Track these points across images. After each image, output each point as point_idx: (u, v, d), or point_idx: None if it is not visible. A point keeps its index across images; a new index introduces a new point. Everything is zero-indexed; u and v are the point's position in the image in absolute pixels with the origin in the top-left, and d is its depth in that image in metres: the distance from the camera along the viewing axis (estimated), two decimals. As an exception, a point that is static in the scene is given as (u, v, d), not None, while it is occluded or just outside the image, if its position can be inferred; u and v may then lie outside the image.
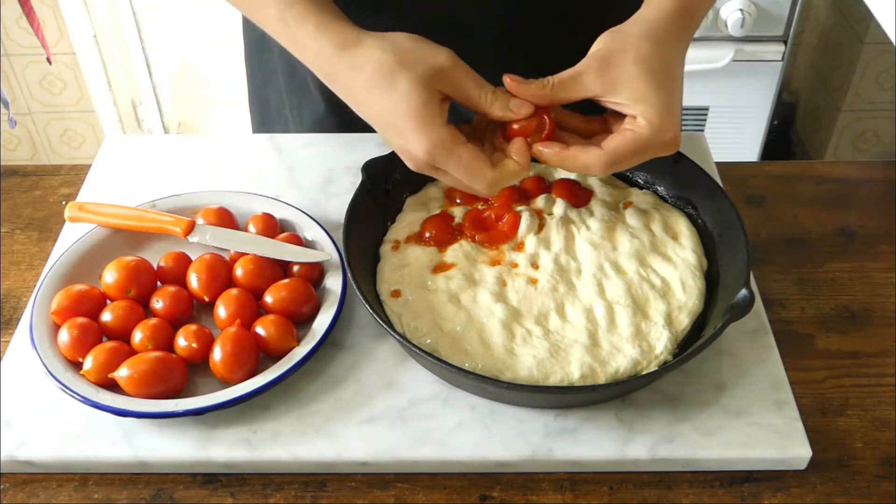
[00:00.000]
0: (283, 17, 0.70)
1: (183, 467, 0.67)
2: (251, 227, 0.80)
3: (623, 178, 0.86)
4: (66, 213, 0.81)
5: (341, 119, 0.95)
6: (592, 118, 0.74)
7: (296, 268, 0.77)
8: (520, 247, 0.78)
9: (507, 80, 0.70)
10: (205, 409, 0.66)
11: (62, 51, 2.20)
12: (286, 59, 0.95)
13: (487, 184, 0.68)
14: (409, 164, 0.70)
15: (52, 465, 0.67)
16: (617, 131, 0.70)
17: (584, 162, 0.70)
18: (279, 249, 0.77)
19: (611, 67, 0.68)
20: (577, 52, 0.71)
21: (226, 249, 0.78)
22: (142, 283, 0.75)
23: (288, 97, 0.99)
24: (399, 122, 0.67)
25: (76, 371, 0.69)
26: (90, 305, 0.73)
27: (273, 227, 0.80)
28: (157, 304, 0.73)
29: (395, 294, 0.74)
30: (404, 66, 0.67)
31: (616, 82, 0.68)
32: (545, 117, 0.70)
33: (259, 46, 1.00)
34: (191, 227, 0.79)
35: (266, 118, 1.05)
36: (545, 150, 0.70)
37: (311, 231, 0.80)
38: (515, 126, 0.70)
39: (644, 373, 0.69)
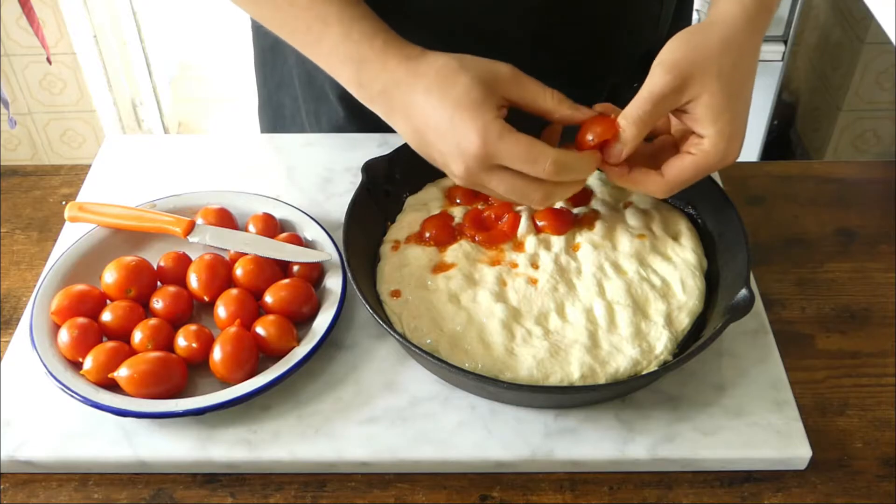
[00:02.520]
0: (349, 33, 0.71)
1: (183, 467, 0.67)
2: (251, 227, 0.80)
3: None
4: (66, 213, 0.81)
5: (361, 127, 0.94)
6: (663, 138, 0.75)
7: (296, 268, 0.77)
8: (520, 247, 0.78)
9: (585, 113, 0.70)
10: (205, 409, 0.66)
11: (62, 51, 2.20)
12: (303, 67, 0.95)
13: (550, 160, 0.66)
14: (458, 171, 0.69)
15: (52, 465, 0.67)
16: (679, 155, 0.70)
17: (646, 189, 0.71)
18: (279, 249, 0.77)
19: (692, 84, 0.67)
20: (604, 52, 0.70)
21: (225, 249, 0.78)
22: (142, 283, 0.75)
23: (304, 104, 0.99)
24: (456, 118, 0.66)
25: (76, 371, 0.69)
26: (90, 305, 0.73)
27: (273, 227, 0.80)
28: (157, 304, 0.73)
29: (395, 294, 0.74)
30: (466, 68, 0.68)
31: (695, 99, 0.67)
32: (613, 122, 0.69)
33: (272, 53, 1.00)
34: (191, 228, 0.79)
35: (280, 124, 1.04)
36: (612, 169, 0.71)
37: (311, 231, 0.80)
38: (589, 136, 0.69)
39: (644, 373, 0.69)
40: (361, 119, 0.90)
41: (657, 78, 0.67)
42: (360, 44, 0.70)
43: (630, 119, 0.68)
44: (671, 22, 0.93)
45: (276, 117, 1.05)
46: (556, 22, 0.86)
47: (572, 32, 0.86)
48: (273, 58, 1.00)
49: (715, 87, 0.67)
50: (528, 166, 0.66)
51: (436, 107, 0.68)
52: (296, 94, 0.99)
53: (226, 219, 0.81)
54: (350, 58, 0.71)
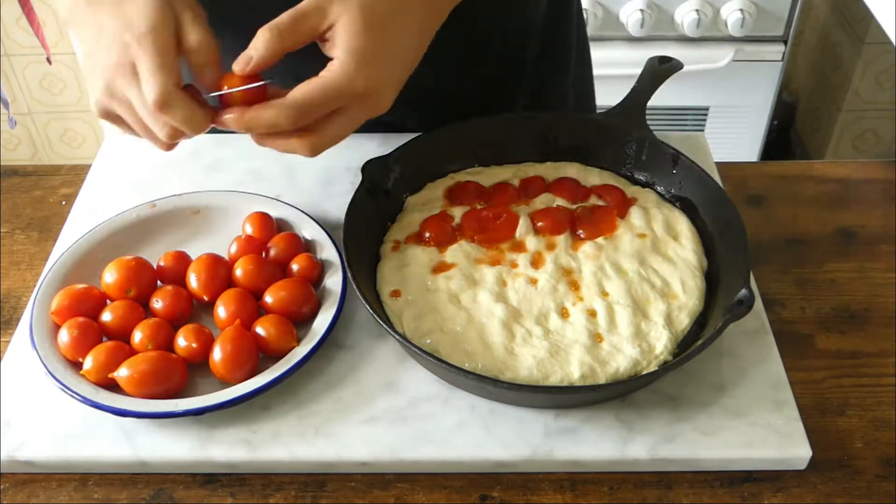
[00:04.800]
0: None
1: (183, 467, 0.67)
2: (247, 227, 0.80)
3: (624, 178, 0.86)
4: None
5: None
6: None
7: (295, 267, 0.77)
8: (520, 246, 0.78)
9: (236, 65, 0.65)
10: (205, 409, 0.66)
11: (62, 51, 2.20)
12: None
13: (157, 94, 0.62)
14: (96, 92, 0.66)
15: (52, 465, 0.67)
16: (307, 81, 0.64)
17: (269, 119, 0.64)
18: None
19: (334, 5, 0.64)
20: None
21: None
22: (142, 283, 0.75)
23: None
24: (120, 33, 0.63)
25: (76, 371, 0.69)
26: (90, 305, 0.73)
27: (270, 226, 0.80)
28: (157, 303, 0.73)
29: (395, 294, 0.74)
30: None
31: (335, 23, 0.64)
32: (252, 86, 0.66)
33: None
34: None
35: None
36: (226, 116, 0.65)
37: (310, 231, 0.80)
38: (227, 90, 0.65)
39: (644, 373, 0.69)
40: None
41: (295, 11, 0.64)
42: None
43: (266, 27, 0.64)
44: None
45: None
46: None
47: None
48: None
49: (355, 12, 0.64)
50: (142, 93, 0.63)
51: (101, 22, 0.65)
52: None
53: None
54: None
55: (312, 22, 0.65)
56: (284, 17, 0.64)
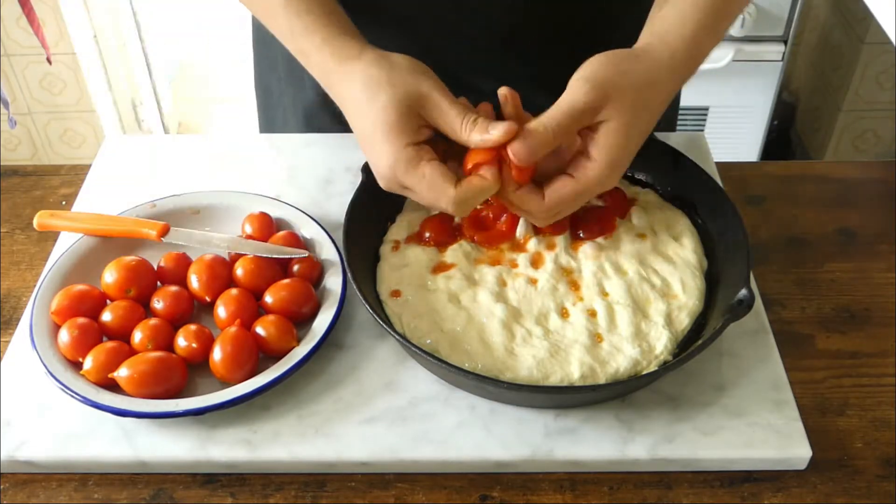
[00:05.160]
0: (292, 28, 0.72)
1: (183, 467, 0.67)
2: (247, 227, 0.80)
3: (624, 178, 0.86)
4: (35, 221, 0.81)
5: (332, 116, 0.96)
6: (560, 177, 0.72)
7: (296, 267, 0.77)
8: (520, 247, 0.78)
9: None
10: (205, 409, 0.66)
11: (62, 51, 2.20)
12: (286, 54, 0.96)
13: (450, 201, 0.67)
14: (380, 182, 0.70)
15: (52, 465, 0.67)
16: (560, 177, 0.68)
17: (528, 210, 0.70)
18: (257, 248, 0.77)
19: (608, 107, 0.66)
20: (576, 65, 0.69)
21: (200, 250, 0.78)
22: (142, 284, 0.75)
23: (287, 87, 1.00)
24: (372, 135, 0.67)
25: (76, 371, 0.69)
26: (90, 305, 0.73)
27: (269, 225, 0.80)
28: (158, 304, 0.73)
29: (395, 294, 0.74)
30: (390, 84, 0.67)
31: (604, 122, 0.66)
32: (493, 152, 0.67)
33: (264, 35, 1.01)
34: (165, 231, 0.79)
35: (269, 104, 1.06)
36: (508, 182, 0.68)
37: (310, 231, 0.80)
38: (469, 165, 0.68)
39: (644, 373, 0.69)
40: (332, 106, 0.92)
41: (579, 92, 0.66)
42: (301, 39, 0.72)
43: (545, 126, 0.66)
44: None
45: (265, 97, 1.06)
46: (527, 28, 0.86)
47: (543, 38, 0.87)
48: (265, 40, 1.01)
49: (627, 116, 0.66)
50: (431, 202, 0.68)
51: (358, 123, 0.69)
52: (280, 77, 1.01)
53: (266, 224, 0.81)
54: (296, 51, 0.73)
55: (585, 121, 0.67)
56: (560, 115, 0.66)
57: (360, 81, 0.68)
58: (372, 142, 0.68)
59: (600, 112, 0.66)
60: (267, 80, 1.04)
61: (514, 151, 0.66)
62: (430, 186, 0.67)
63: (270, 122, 1.07)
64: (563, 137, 0.67)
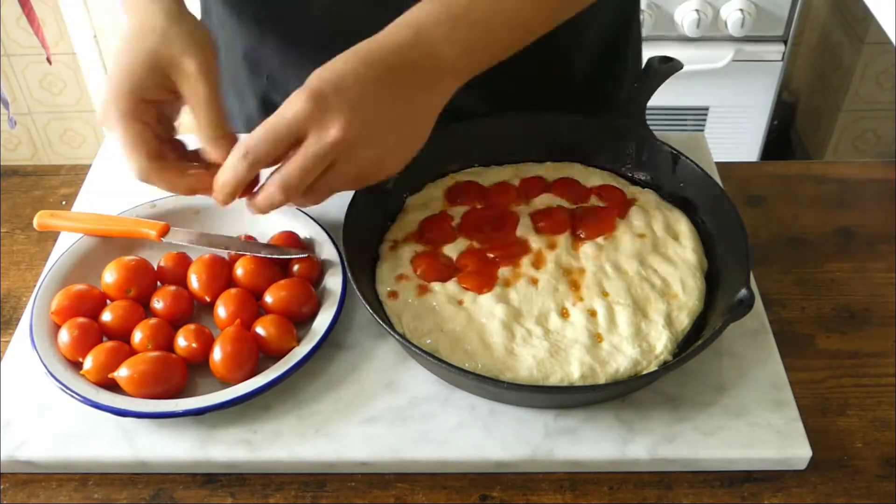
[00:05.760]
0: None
1: (183, 467, 0.67)
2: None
3: (624, 178, 0.86)
4: (35, 221, 0.81)
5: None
6: None
7: (296, 267, 0.77)
8: (524, 248, 0.78)
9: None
10: (205, 409, 0.66)
11: (62, 51, 2.20)
12: (228, 64, 0.95)
13: (137, 169, 0.68)
14: (99, 109, 0.69)
15: (52, 465, 0.67)
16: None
17: (227, 171, 0.67)
18: (257, 248, 0.77)
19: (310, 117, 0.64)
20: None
21: (200, 250, 0.78)
22: (142, 284, 0.75)
23: (232, 100, 0.99)
24: (114, 65, 0.68)
25: (76, 371, 0.69)
26: (90, 305, 0.73)
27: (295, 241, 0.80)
28: (158, 304, 0.73)
29: (395, 294, 0.74)
30: (163, 35, 0.67)
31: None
32: None
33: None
34: (165, 231, 0.79)
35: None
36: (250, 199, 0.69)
37: (310, 231, 0.80)
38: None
39: (644, 373, 0.69)
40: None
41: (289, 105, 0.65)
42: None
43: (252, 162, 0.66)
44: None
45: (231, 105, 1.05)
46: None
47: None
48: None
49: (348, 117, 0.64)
50: (125, 156, 0.68)
51: (124, 46, 0.68)
52: (227, 90, 0.99)
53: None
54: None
55: (299, 128, 0.65)
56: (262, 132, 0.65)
57: (147, 18, 0.68)
58: (112, 71, 0.68)
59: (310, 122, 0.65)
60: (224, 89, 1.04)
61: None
62: (124, 143, 0.67)
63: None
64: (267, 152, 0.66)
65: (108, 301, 0.75)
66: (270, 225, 0.80)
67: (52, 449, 0.67)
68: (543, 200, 0.82)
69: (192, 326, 0.71)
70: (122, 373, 0.67)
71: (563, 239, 0.78)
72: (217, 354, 0.69)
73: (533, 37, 0.71)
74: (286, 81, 0.92)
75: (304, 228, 0.81)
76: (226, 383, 0.69)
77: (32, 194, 0.93)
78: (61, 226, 0.81)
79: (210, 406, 0.66)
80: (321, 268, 0.77)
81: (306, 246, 0.79)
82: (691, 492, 0.66)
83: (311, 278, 0.76)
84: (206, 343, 0.70)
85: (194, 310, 0.75)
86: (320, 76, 0.65)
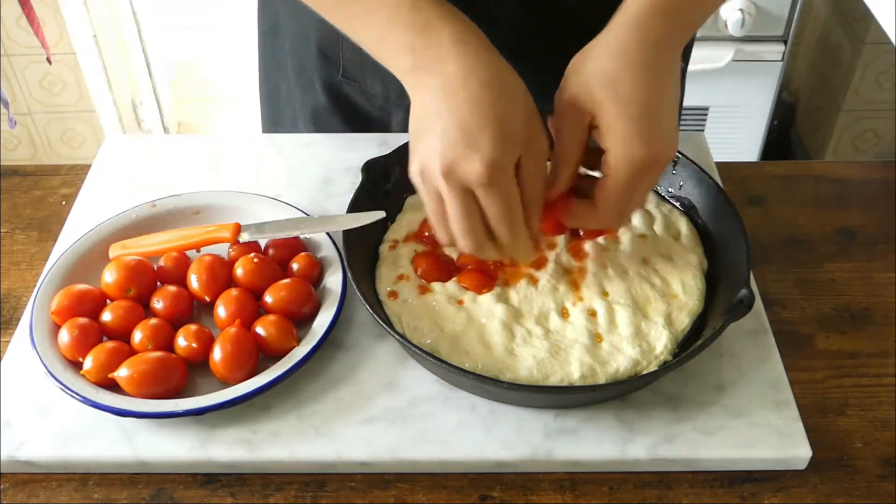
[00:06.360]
0: (417, 3, 0.65)
1: (183, 467, 0.67)
2: (270, 251, 0.80)
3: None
4: (111, 254, 0.79)
5: (341, 118, 0.96)
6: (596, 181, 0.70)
7: (295, 266, 0.77)
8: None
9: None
10: (205, 409, 0.66)
11: (62, 51, 2.20)
12: (296, 55, 0.97)
13: (520, 246, 0.65)
14: (437, 166, 0.61)
15: (52, 465, 0.67)
16: (601, 183, 0.66)
17: (587, 223, 0.71)
18: (330, 222, 0.77)
19: (585, 111, 0.64)
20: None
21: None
22: (142, 283, 0.75)
23: (296, 88, 1.00)
24: (495, 123, 0.61)
25: (76, 371, 0.69)
26: (90, 305, 0.73)
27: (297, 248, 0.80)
28: (158, 304, 0.73)
29: (395, 294, 0.74)
30: (514, 75, 0.64)
31: (596, 118, 0.64)
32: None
33: (272, 36, 1.01)
34: (237, 230, 0.79)
35: (274, 104, 1.06)
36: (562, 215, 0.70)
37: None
38: None
39: (644, 373, 0.69)
40: (342, 109, 0.93)
41: (556, 120, 0.66)
42: (427, 11, 0.64)
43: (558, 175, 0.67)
44: None
45: (271, 97, 1.06)
46: (532, 38, 0.85)
47: (548, 47, 0.85)
48: (272, 40, 1.01)
49: (607, 106, 0.63)
50: (497, 224, 0.63)
51: (471, 101, 0.61)
52: (289, 81, 1.01)
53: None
54: (420, 25, 0.64)
55: (577, 135, 0.65)
56: (560, 158, 0.66)
57: (496, 67, 0.63)
58: (483, 131, 0.60)
59: (583, 119, 0.64)
60: (274, 79, 1.04)
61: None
62: (510, 205, 0.63)
63: (276, 121, 1.07)
64: (569, 166, 0.67)
65: (108, 301, 0.75)
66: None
67: (52, 449, 0.67)
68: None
69: (192, 326, 0.71)
70: (122, 373, 0.67)
71: (563, 239, 0.78)
72: (217, 354, 0.69)
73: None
74: (363, 75, 0.92)
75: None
76: (226, 383, 0.69)
77: (32, 194, 0.93)
78: (136, 252, 0.78)
79: (210, 406, 0.66)
80: (321, 267, 0.77)
81: (306, 246, 0.79)
82: (691, 492, 0.66)
83: (310, 277, 0.76)
84: (206, 343, 0.70)
85: (194, 310, 0.75)
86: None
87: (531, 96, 0.64)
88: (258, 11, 1.03)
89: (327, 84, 0.95)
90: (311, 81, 0.96)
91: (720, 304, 0.72)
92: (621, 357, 0.69)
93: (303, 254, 0.77)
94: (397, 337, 0.67)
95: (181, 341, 0.70)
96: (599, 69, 0.65)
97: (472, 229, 0.64)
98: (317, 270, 0.77)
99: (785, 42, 1.90)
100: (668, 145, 0.65)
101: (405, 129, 0.86)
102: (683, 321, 0.73)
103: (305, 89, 0.98)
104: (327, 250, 0.78)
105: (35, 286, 0.78)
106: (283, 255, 0.78)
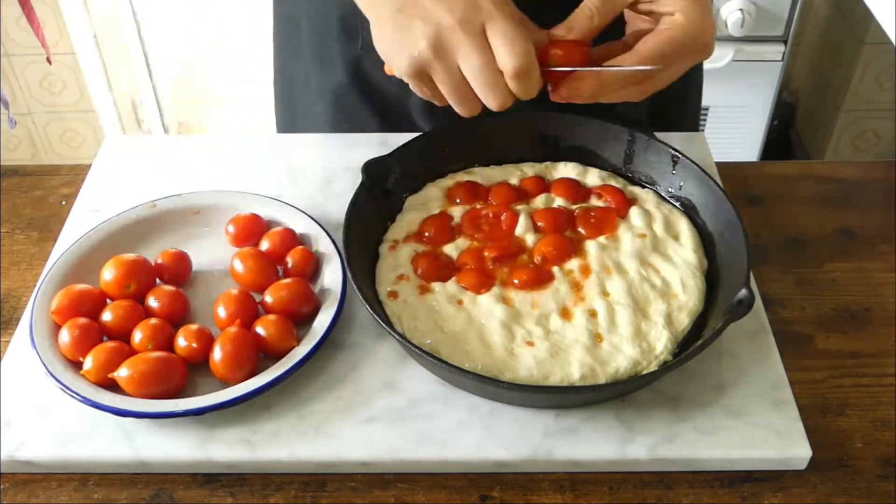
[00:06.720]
0: None
1: (183, 467, 0.67)
2: (230, 228, 0.80)
3: (624, 178, 0.86)
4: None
5: (362, 95, 0.96)
6: (614, 43, 0.70)
7: (290, 262, 0.76)
8: (522, 247, 0.78)
9: (555, 34, 0.67)
10: (205, 409, 0.66)
11: (62, 51, 2.20)
12: (315, 37, 0.97)
13: (522, 61, 0.63)
14: (414, 49, 0.65)
15: (52, 465, 0.67)
16: (653, 32, 0.66)
17: (625, 77, 0.67)
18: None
19: None
20: None
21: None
22: (140, 279, 0.75)
23: (314, 73, 1.00)
24: None
25: (76, 371, 0.69)
26: (90, 305, 0.73)
27: (259, 225, 0.80)
28: (154, 303, 0.73)
29: (395, 294, 0.74)
30: None
31: None
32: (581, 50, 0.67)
33: (288, 25, 1.01)
34: None
35: (289, 94, 1.06)
36: (581, 81, 0.68)
37: (305, 226, 0.80)
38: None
39: (644, 373, 0.69)
40: (362, 86, 0.92)
41: None
42: None
43: (599, 13, 0.66)
44: None
45: (287, 87, 1.06)
46: None
47: None
48: (288, 29, 1.01)
49: None
50: (505, 51, 0.64)
51: None
52: (308, 66, 1.00)
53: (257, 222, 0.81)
54: None
55: None
56: None
57: None
58: None
59: None
60: (291, 69, 1.04)
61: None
62: (505, 37, 0.63)
63: (292, 113, 1.07)
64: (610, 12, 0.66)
65: (108, 301, 0.75)
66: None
67: (52, 449, 0.67)
68: (543, 200, 0.82)
69: (192, 326, 0.71)
70: (122, 373, 0.67)
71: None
72: (217, 354, 0.69)
73: None
74: None
75: (300, 224, 0.81)
76: (226, 383, 0.69)
77: (32, 194, 0.93)
78: None
79: (210, 406, 0.66)
80: (317, 260, 0.77)
81: (303, 242, 0.80)
82: (691, 492, 0.66)
83: (305, 272, 0.76)
84: (206, 343, 0.70)
85: (194, 310, 0.75)
86: None
87: None
88: (273, 3, 1.03)
89: (348, 60, 0.95)
90: (331, 60, 0.96)
91: (720, 304, 0.72)
92: (621, 357, 0.69)
93: (299, 248, 0.77)
94: (397, 337, 0.67)
95: (181, 341, 0.70)
96: None
97: (496, 76, 0.65)
98: (312, 264, 0.77)
99: (785, 42, 1.90)
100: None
101: (424, 107, 0.86)
102: (683, 321, 0.73)
103: (326, 69, 0.97)
104: (323, 245, 0.78)
105: (35, 286, 0.78)
106: (278, 249, 0.78)
